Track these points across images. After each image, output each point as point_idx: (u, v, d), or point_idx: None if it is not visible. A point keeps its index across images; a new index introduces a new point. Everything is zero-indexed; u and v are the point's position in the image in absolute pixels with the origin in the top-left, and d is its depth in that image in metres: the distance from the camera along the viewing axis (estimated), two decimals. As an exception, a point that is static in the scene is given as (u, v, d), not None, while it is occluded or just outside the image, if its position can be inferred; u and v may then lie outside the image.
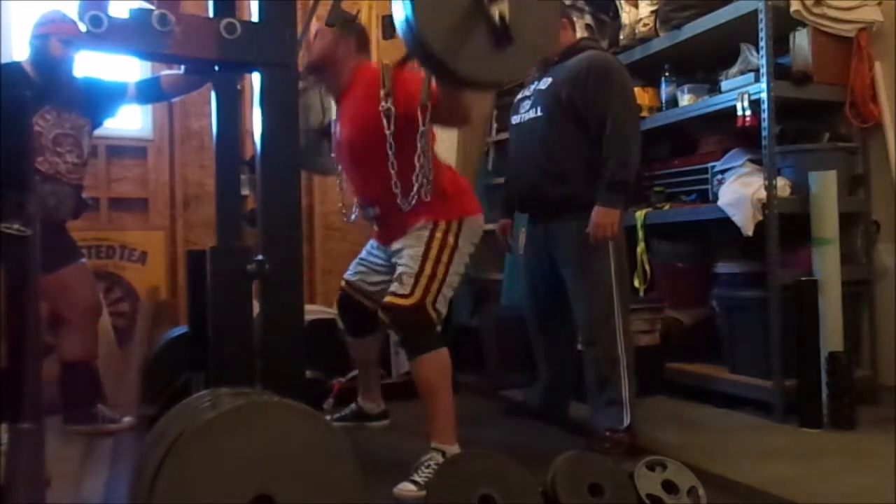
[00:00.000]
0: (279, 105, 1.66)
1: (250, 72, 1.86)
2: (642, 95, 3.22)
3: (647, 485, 1.77)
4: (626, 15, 3.36)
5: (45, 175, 2.55)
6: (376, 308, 2.36)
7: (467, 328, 3.83)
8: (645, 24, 3.27)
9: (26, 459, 1.32)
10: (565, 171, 2.48)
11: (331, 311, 3.37)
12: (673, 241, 3.35)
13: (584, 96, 2.43)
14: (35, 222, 1.39)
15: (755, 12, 2.74)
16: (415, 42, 1.48)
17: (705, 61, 3.23)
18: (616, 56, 2.92)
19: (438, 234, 2.17)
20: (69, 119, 2.66)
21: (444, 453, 2.04)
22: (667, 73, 3.26)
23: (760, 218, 2.70)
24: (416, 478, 1.97)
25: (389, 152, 2.03)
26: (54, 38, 2.56)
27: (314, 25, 2.27)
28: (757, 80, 2.77)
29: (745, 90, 2.78)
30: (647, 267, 2.81)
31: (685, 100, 3.15)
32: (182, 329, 2.36)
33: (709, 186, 3.08)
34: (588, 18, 3.33)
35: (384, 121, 2.02)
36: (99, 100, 2.75)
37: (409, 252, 2.18)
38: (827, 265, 2.64)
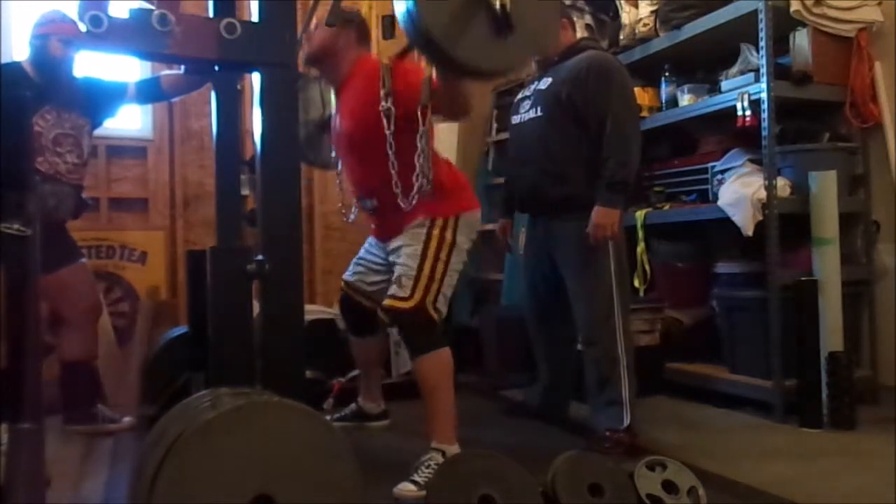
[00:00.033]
0: (279, 105, 1.66)
1: (250, 72, 1.86)
2: (642, 95, 3.22)
3: (647, 485, 1.77)
4: (626, 15, 3.36)
5: (45, 175, 2.55)
6: (376, 308, 2.36)
7: (467, 328, 3.84)
8: (645, 24, 3.27)
9: (26, 459, 1.32)
10: (565, 171, 2.48)
11: (331, 311, 3.38)
12: (673, 241, 3.35)
13: (584, 96, 2.43)
14: (35, 222, 1.39)
15: (755, 12, 2.74)
16: (415, 29, 1.49)
17: (705, 61, 3.23)
18: (616, 56, 2.92)
19: (436, 232, 2.17)
20: (69, 119, 2.66)
21: (444, 453, 2.04)
22: (667, 73, 3.26)
23: (760, 218, 2.70)
24: (416, 478, 1.97)
25: (389, 152, 2.03)
26: (54, 38, 2.56)
27: (316, 17, 2.27)
28: (757, 80, 2.77)
29: (745, 90, 2.78)
30: (647, 267, 2.81)
31: (685, 100, 3.15)
32: (182, 329, 2.36)
33: (709, 186, 3.08)
34: (588, 18, 3.33)
35: (384, 121, 2.03)
36: (99, 100, 2.75)
37: (407, 251, 2.18)
38: (827, 265, 2.64)
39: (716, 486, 1.92)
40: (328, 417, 2.51)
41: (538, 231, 2.66)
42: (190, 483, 1.21)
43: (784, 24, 2.82)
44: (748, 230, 2.70)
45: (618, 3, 3.40)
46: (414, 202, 2.05)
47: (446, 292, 2.17)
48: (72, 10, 2.51)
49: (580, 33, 2.91)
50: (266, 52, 1.63)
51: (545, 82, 2.55)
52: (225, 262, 1.61)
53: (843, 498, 1.93)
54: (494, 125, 4.35)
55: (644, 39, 3.30)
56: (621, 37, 3.40)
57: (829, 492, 1.97)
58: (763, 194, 2.71)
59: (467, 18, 1.50)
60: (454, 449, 2.08)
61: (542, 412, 2.79)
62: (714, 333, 3.10)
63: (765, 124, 2.72)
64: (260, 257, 1.62)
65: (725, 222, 2.79)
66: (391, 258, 2.27)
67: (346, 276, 2.55)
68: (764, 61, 2.73)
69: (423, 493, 1.85)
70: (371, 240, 2.48)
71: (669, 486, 1.78)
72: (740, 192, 2.76)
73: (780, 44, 2.84)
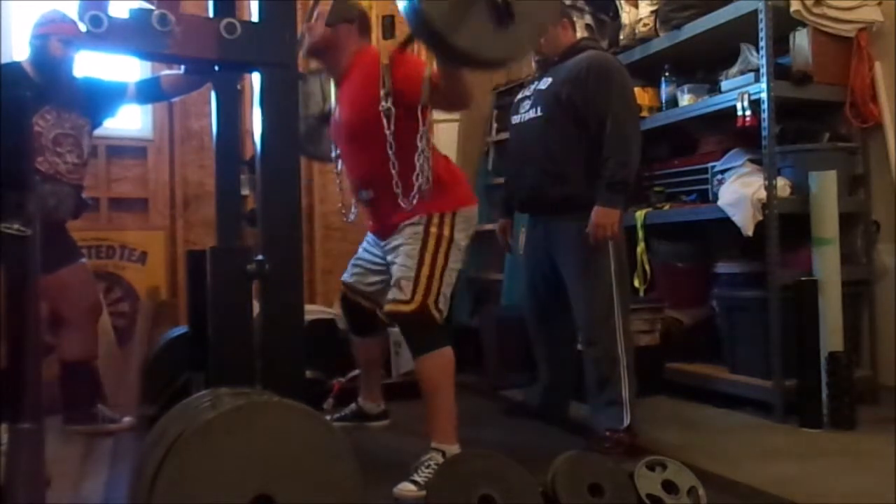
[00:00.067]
0: (279, 105, 1.66)
1: (250, 72, 1.86)
2: (642, 95, 3.22)
3: (647, 485, 1.77)
4: (626, 15, 3.36)
5: (45, 175, 2.55)
6: (375, 308, 2.36)
7: (467, 328, 3.84)
8: (645, 24, 3.27)
9: (26, 459, 1.32)
10: (565, 171, 2.48)
11: (331, 311, 3.38)
12: (673, 241, 3.35)
13: (584, 96, 2.43)
14: (35, 222, 1.39)
15: (755, 12, 2.74)
16: (417, 18, 1.49)
17: (705, 61, 3.23)
18: (616, 56, 2.92)
19: (433, 229, 2.16)
20: (69, 119, 2.66)
21: (444, 453, 2.04)
22: (667, 73, 3.26)
23: (760, 218, 2.70)
24: (416, 478, 1.97)
25: (389, 152, 2.02)
26: (54, 38, 2.56)
27: (319, 8, 2.26)
28: (757, 80, 2.77)
29: (745, 90, 2.78)
30: (647, 267, 2.81)
31: (685, 100, 3.15)
32: (182, 329, 2.36)
33: (709, 186, 3.08)
34: (588, 18, 3.33)
35: (384, 121, 2.02)
36: (99, 100, 2.75)
37: (404, 250, 2.17)
38: (827, 265, 2.64)
39: (716, 486, 1.92)
40: (328, 417, 2.51)
41: (538, 231, 2.66)
42: (190, 483, 1.21)
43: (784, 24, 2.82)
44: (748, 230, 2.70)
45: (618, 3, 3.41)
46: (414, 202, 2.05)
47: (446, 291, 2.17)
48: (72, 10, 2.51)
49: (580, 33, 2.91)
50: (266, 52, 1.63)
51: (545, 82, 2.55)
52: (225, 262, 1.61)
53: (843, 498, 1.93)
54: (494, 125, 4.35)
55: (644, 39, 3.30)
56: (621, 37, 3.40)
57: (829, 492, 1.97)
58: (763, 194, 2.71)
59: (468, 8, 1.51)
60: (454, 449, 2.08)
61: (542, 412, 2.79)
62: (714, 333, 3.10)
63: (765, 124, 2.72)
64: (260, 257, 1.61)
65: (725, 222, 2.79)
66: (389, 257, 2.26)
67: (345, 277, 2.54)
68: (764, 61, 2.73)
69: (423, 493, 1.85)
70: (369, 238, 2.47)
71: (669, 486, 1.78)
72: (740, 192, 2.76)
73: (780, 44, 2.85)
